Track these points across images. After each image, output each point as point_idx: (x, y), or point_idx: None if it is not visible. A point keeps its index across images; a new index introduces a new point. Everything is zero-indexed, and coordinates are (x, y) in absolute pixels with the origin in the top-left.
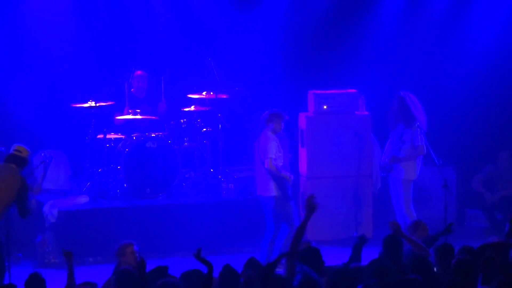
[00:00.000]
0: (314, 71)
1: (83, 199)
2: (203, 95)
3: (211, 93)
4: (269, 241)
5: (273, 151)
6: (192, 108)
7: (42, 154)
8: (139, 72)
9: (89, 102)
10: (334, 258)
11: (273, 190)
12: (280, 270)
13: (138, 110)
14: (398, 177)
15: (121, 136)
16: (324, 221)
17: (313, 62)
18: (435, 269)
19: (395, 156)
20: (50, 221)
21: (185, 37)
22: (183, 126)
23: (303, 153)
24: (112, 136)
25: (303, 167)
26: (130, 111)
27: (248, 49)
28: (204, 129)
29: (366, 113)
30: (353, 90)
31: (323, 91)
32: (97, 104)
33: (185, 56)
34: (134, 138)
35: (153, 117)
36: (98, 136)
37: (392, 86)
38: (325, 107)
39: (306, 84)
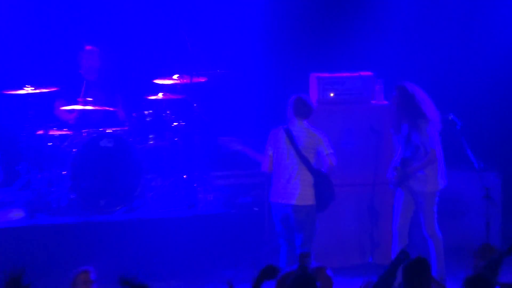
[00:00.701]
0: (317, 50)
1: (17, 214)
2: (174, 79)
3: (185, 76)
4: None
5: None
6: (160, 96)
7: None
8: (88, 47)
9: (25, 88)
10: None
11: (313, 197)
12: None
13: (90, 99)
14: (417, 190)
15: (68, 132)
16: (331, 242)
17: (316, 38)
18: None
19: (406, 165)
20: None
21: (151, 1)
22: (147, 119)
23: None
24: (55, 132)
25: None
26: (78, 99)
27: (232, 20)
28: (175, 123)
29: (385, 102)
30: (368, 73)
31: (329, 74)
32: (36, 91)
33: (151, 28)
34: (85, 134)
35: (109, 108)
36: (38, 132)
37: (416, 70)
38: (331, 94)
39: (307, 65)
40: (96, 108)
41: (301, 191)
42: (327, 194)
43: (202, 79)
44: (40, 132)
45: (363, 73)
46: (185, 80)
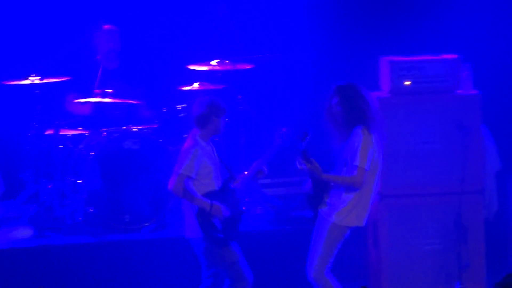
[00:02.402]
0: (388, 28)
1: (24, 232)
2: (213, 65)
3: (226, 62)
4: None
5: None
6: (196, 86)
7: None
8: (107, 26)
9: (30, 78)
10: None
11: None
12: None
13: (109, 90)
14: None
15: (83, 132)
16: (407, 264)
17: (386, 13)
18: None
19: None
20: None
21: None
22: (180, 115)
23: None
24: (67, 131)
25: None
26: (95, 91)
27: None
28: None
29: (475, 92)
30: (453, 56)
31: (404, 58)
32: (44, 81)
33: (183, 1)
34: (104, 134)
35: (133, 101)
36: (47, 132)
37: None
38: (408, 82)
39: (374, 48)
40: (117, 101)
41: None
42: None
43: (247, 66)
44: (49, 132)
45: (446, 56)
46: (226, 66)
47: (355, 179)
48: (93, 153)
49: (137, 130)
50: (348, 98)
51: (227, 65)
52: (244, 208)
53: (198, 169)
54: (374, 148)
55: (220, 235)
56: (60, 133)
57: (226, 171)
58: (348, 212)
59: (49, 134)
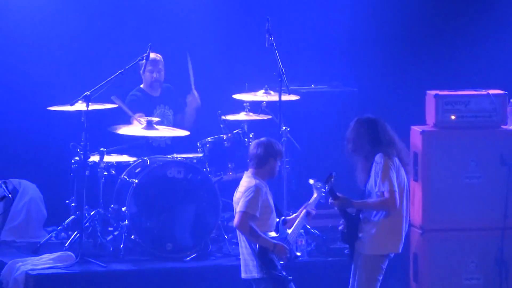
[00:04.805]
0: (434, 62)
1: (66, 259)
2: (259, 95)
3: (272, 92)
4: None
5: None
6: (242, 116)
7: (1, 186)
8: (152, 55)
9: (77, 104)
10: None
11: None
12: None
13: (157, 119)
14: None
15: (128, 160)
16: None
17: (433, 48)
18: None
19: None
20: None
21: None
22: (226, 145)
23: (416, 190)
24: (112, 159)
25: (416, 212)
26: (142, 119)
27: (330, 26)
28: None
29: None
30: (499, 91)
31: (450, 92)
32: (90, 107)
33: (229, 29)
34: (148, 162)
35: (179, 130)
36: (91, 159)
37: None
38: (453, 117)
39: (420, 81)
40: (163, 130)
41: None
42: None
43: (294, 97)
44: (94, 158)
45: (492, 91)
46: (272, 96)
47: (388, 202)
48: (137, 180)
49: (181, 159)
50: (367, 129)
51: (274, 95)
52: (299, 253)
53: (260, 208)
54: (395, 171)
55: (282, 274)
56: (105, 160)
57: (277, 213)
58: (380, 240)
59: (93, 161)
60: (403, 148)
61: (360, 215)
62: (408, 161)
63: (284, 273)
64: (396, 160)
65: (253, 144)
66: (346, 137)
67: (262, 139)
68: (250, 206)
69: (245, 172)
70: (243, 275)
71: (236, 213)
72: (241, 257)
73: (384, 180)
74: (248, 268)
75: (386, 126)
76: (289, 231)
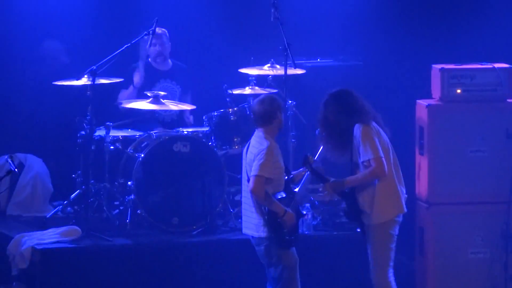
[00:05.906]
0: (440, 35)
1: (72, 233)
2: (265, 69)
3: (277, 66)
4: None
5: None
6: (247, 90)
7: (8, 160)
8: (157, 29)
9: (82, 79)
10: None
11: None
12: None
13: (162, 93)
14: None
15: (133, 134)
16: (453, 272)
17: (439, 21)
18: None
19: None
20: (19, 267)
21: None
22: (231, 118)
23: (422, 164)
24: (118, 133)
25: (422, 186)
26: (146, 93)
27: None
28: None
29: None
30: (504, 65)
31: (455, 66)
32: (96, 82)
33: (232, 4)
34: (154, 136)
35: (185, 104)
36: (96, 134)
37: None
38: (459, 90)
39: (426, 55)
40: (169, 104)
41: None
42: None
43: (300, 71)
44: (100, 133)
45: (497, 65)
46: (278, 71)
47: (376, 170)
48: (143, 155)
49: (187, 132)
50: (341, 103)
51: (279, 69)
52: (304, 212)
53: (273, 170)
54: (375, 135)
55: (287, 237)
56: (110, 134)
57: (286, 171)
58: (381, 206)
59: (99, 135)
60: (376, 112)
61: (355, 189)
62: (384, 124)
63: (289, 237)
64: (374, 124)
65: (255, 103)
66: (320, 117)
67: (261, 96)
68: (264, 169)
69: (256, 131)
70: (244, 231)
71: (249, 176)
72: (244, 213)
73: (366, 148)
74: (253, 225)
75: (354, 93)
76: (297, 189)
